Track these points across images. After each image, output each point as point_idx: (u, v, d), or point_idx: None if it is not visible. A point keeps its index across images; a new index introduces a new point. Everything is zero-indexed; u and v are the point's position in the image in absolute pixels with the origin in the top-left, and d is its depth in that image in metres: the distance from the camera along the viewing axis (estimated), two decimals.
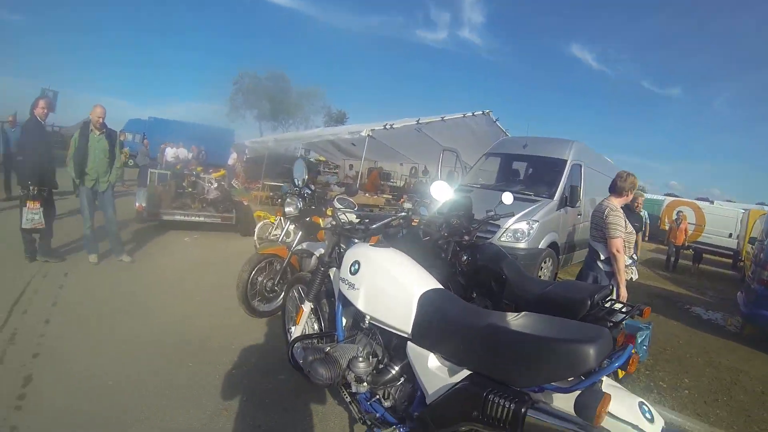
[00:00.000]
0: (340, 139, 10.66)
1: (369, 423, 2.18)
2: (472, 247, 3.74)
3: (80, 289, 4.36)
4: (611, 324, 2.56)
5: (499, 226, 5.86)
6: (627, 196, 3.85)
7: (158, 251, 6.12)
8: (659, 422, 1.52)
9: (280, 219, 6.16)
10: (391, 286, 2.12)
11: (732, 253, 13.22)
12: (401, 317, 2.00)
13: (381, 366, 2.17)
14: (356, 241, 2.54)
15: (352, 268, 2.28)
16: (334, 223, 2.75)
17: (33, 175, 4.78)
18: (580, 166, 7.24)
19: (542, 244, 6.18)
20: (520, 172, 7.78)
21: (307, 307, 2.80)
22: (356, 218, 2.76)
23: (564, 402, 1.50)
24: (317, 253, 2.95)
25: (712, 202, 14.77)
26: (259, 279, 4.06)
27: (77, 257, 5.29)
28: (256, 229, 6.56)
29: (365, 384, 2.10)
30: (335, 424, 2.73)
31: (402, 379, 2.11)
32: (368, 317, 2.16)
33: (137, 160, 15.82)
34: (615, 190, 3.88)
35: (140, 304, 4.10)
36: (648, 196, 17.58)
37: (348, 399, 2.28)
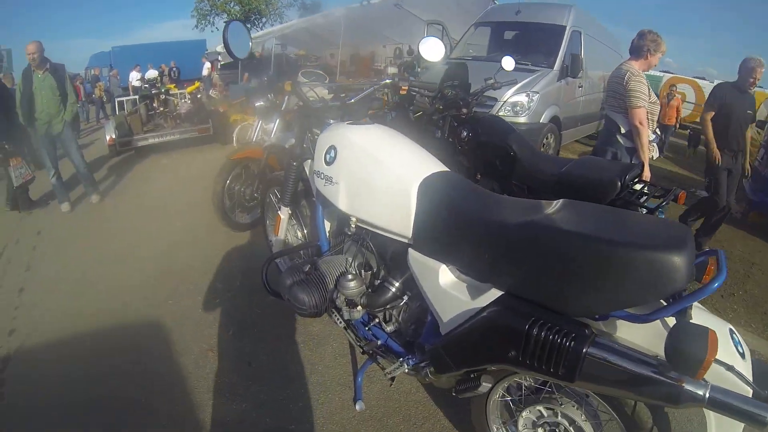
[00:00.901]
0: (314, 24, 9.51)
1: (371, 352, 1.72)
2: (472, 121, 3.14)
3: (53, 245, 3.74)
4: (645, 212, 2.08)
5: (496, 99, 5.15)
6: (648, 58, 3.06)
7: (135, 182, 5.52)
8: (748, 354, 1.11)
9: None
10: (378, 174, 1.54)
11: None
12: (396, 216, 1.48)
13: (377, 282, 1.67)
14: (331, 122, 1.91)
15: (327, 157, 1.70)
16: (299, 104, 2.11)
17: (1, 134, 4.44)
18: (580, 34, 6.38)
19: (543, 119, 5.51)
20: (514, 41, 6.84)
21: (284, 213, 2.28)
22: (328, 94, 2.10)
23: (632, 333, 1.06)
24: (287, 146, 2.35)
25: (711, 81, 13.48)
26: (236, 188, 3.49)
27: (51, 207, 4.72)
28: (235, 134, 5.90)
29: (359, 308, 1.60)
30: (333, 350, 2.32)
31: (405, 298, 1.60)
32: (353, 219, 1.62)
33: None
34: (634, 50, 3.12)
35: (116, 247, 3.55)
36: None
37: (342, 325, 1.80)
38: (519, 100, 5.29)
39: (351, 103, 1.83)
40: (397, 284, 1.61)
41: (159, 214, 4.22)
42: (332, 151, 1.70)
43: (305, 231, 2.37)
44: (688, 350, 0.88)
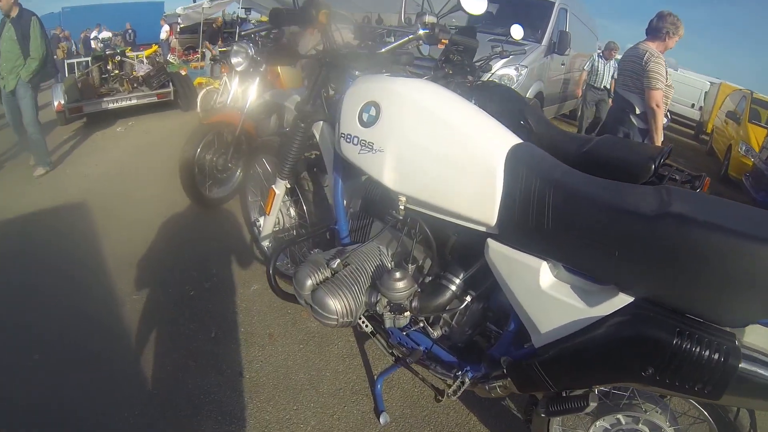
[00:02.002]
0: None
1: (407, 358, 1.33)
2: (481, 88, 2.72)
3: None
4: None
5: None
6: (666, 40, 2.85)
7: (85, 154, 4.54)
8: None
9: (225, 82, 4.79)
10: (448, 142, 1.12)
11: (694, 124, 12.22)
12: (474, 199, 1.09)
13: (429, 279, 1.27)
14: (358, 73, 1.43)
15: (365, 116, 1.22)
16: (319, 48, 1.62)
17: None
18: (566, 11, 6.09)
19: (530, 93, 5.18)
20: (500, 14, 6.45)
21: (280, 187, 1.79)
22: (353, 39, 1.61)
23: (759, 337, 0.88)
24: (289, 104, 1.80)
25: (676, 70, 13.81)
26: (207, 157, 2.89)
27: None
28: (199, 100, 5.19)
29: (407, 314, 1.21)
30: (339, 351, 1.90)
31: (468, 299, 1.21)
32: (402, 200, 1.18)
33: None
34: (652, 31, 2.90)
35: (65, 230, 2.76)
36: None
37: (369, 329, 1.39)
38: (508, 73, 4.94)
39: (382, 53, 1.35)
40: (458, 282, 1.21)
41: (116, 188, 3.50)
42: (372, 108, 1.22)
43: (305, 209, 1.88)
44: None
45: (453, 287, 1.22)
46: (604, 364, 0.97)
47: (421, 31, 1.55)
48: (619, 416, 1.20)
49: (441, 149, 1.12)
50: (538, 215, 1.01)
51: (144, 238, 2.64)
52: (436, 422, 1.64)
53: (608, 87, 6.27)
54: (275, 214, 1.91)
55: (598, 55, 6.42)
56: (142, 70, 6.15)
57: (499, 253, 1.09)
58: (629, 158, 1.89)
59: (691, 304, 0.88)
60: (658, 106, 2.79)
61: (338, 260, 1.25)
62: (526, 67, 5.04)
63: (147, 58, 6.65)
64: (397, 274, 1.17)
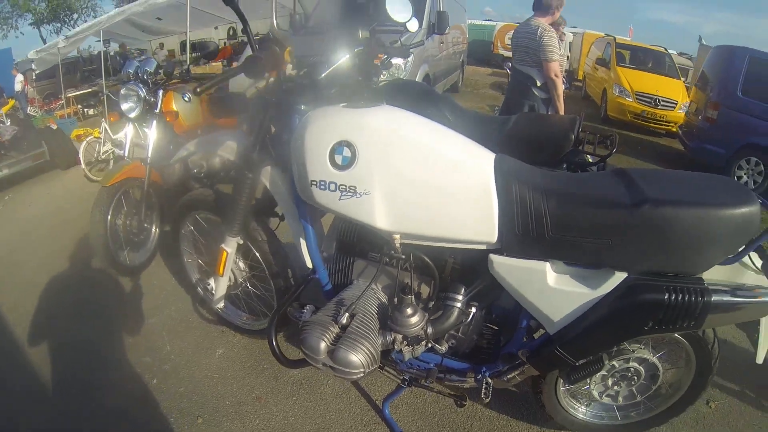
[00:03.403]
0: (135, 14, 7.64)
1: (424, 380, 1.35)
2: (390, 88, 2.65)
3: None
4: (598, 160, 2.01)
5: None
6: (555, 14, 3.03)
7: None
8: None
9: (105, 128, 4.37)
10: (438, 171, 1.11)
11: (565, 72, 13.60)
12: (473, 220, 1.11)
13: (431, 305, 1.24)
14: (304, 107, 1.32)
15: (338, 158, 1.11)
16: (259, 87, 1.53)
17: None
18: None
19: (418, 77, 5.24)
20: (372, 3, 6.37)
21: (231, 245, 1.59)
22: (291, 69, 1.47)
23: (722, 274, 1.13)
24: (224, 152, 1.54)
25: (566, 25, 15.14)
26: (119, 222, 2.50)
27: None
28: (81, 154, 4.49)
29: (423, 342, 1.21)
30: (332, 390, 1.79)
31: (473, 311, 1.23)
32: (398, 237, 1.13)
33: None
34: (541, 7, 3.02)
35: None
36: (474, 21, 17.12)
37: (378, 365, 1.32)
38: (396, 63, 4.91)
39: (323, 77, 1.23)
40: (462, 299, 1.22)
41: (15, 278, 2.76)
42: (344, 149, 1.11)
43: (262, 260, 1.69)
44: None
45: (459, 305, 1.22)
46: (614, 331, 1.14)
47: (359, 48, 1.44)
48: (614, 362, 1.36)
49: (430, 179, 1.09)
50: (538, 224, 1.08)
51: (72, 339, 2.07)
52: (452, 421, 1.66)
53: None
54: (228, 274, 1.72)
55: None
56: (7, 133, 5.11)
57: (504, 265, 1.13)
58: (550, 133, 2.00)
59: (669, 265, 1.08)
60: (556, 75, 2.94)
61: (346, 314, 1.16)
62: (412, 52, 5.08)
63: (6, 116, 5.54)
64: (408, 310, 1.15)
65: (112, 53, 12.02)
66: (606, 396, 1.46)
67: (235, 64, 8.96)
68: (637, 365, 1.36)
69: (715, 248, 1.05)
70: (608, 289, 1.10)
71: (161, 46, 12.97)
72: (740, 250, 1.09)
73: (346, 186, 1.12)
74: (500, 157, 1.17)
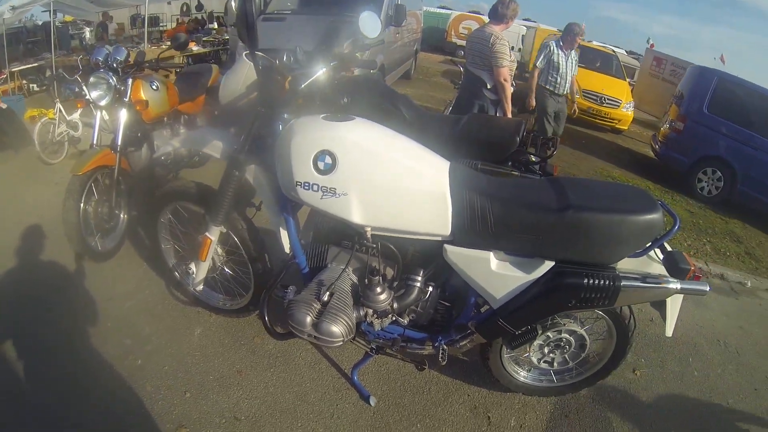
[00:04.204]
0: None
1: (384, 349, 1.62)
2: (349, 84, 2.72)
3: None
4: (540, 160, 2.19)
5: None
6: (508, 23, 3.28)
7: None
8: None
9: (60, 109, 4.26)
10: (404, 177, 1.32)
11: (516, 65, 13.82)
12: (431, 217, 1.34)
13: (396, 284, 1.46)
14: (287, 116, 1.50)
15: (320, 165, 1.30)
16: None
17: None
18: None
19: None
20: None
21: (215, 234, 1.73)
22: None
23: (632, 265, 1.41)
24: (211, 151, 1.66)
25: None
26: (90, 210, 2.50)
27: None
28: (35, 135, 4.29)
29: (390, 316, 1.44)
30: (305, 362, 1.98)
31: (430, 290, 1.48)
32: (369, 229, 1.34)
33: None
34: (496, 16, 3.25)
35: None
36: (430, 8, 17.06)
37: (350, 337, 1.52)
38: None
39: (302, 89, 1.37)
40: (421, 279, 1.45)
41: None
42: (326, 157, 1.30)
43: (242, 246, 1.83)
44: (677, 262, 1.32)
45: (418, 284, 1.44)
46: (544, 306, 1.41)
47: (333, 63, 1.59)
48: (549, 333, 1.64)
49: (397, 184, 1.30)
50: (483, 221, 1.31)
51: (49, 329, 2.05)
52: (412, 385, 1.91)
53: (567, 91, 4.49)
54: (209, 260, 1.84)
55: (556, 45, 4.35)
56: None
57: (456, 253, 1.38)
58: (498, 135, 2.17)
59: (587, 257, 1.35)
60: (505, 80, 3.18)
61: (327, 293, 1.36)
62: (369, 46, 5.12)
63: None
64: (378, 289, 1.35)
65: (58, 24, 10.98)
66: (543, 362, 1.74)
67: (193, 43, 8.56)
68: (568, 336, 1.64)
69: (624, 245, 1.31)
70: (539, 274, 1.36)
71: (103, 16, 11.45)
72: (647, 246, 1.35)
73: (327, 187, 1.31)
74: (453, 166, 1.41)
